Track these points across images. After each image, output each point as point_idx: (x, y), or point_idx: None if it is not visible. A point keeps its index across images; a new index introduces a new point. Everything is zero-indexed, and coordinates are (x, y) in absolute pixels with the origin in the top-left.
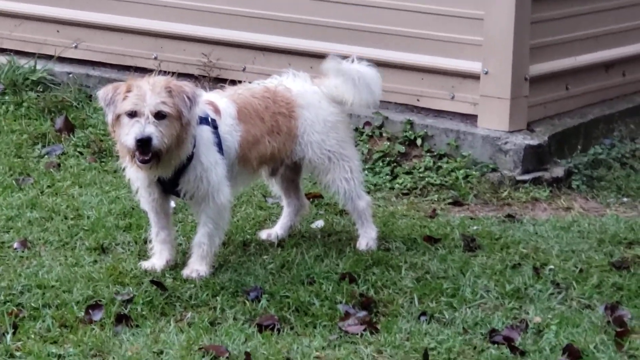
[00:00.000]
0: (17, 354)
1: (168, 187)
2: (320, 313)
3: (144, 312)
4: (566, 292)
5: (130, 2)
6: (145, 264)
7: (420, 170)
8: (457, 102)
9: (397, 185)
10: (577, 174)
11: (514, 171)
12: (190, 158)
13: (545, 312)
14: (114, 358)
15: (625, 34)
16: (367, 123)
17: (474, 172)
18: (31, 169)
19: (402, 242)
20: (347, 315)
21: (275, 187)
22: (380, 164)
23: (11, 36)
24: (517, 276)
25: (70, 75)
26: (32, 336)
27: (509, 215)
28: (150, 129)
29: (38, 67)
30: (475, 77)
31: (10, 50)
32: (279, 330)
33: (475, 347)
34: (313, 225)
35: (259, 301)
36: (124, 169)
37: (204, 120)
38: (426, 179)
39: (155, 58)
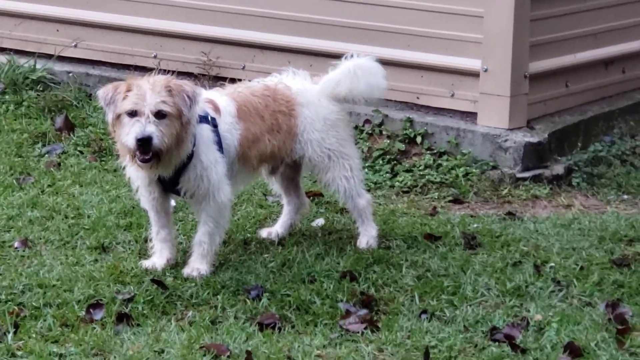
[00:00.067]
0: (19, 353)
1: (168, 185)
2: (321, 311)
3: (144, 311)
4: (567, 289)
5: (129, 1)
6: (146, 263)
7: (420, 168)
8: (457, 99)
9: (397, 183)
10: (577, 171)
11: (514, 169)
12: (190, 157)
13: (546, 310)
14: (115, 357)
15: (625, 30)
16: (367, 121)
17: (474, 170)
18: (32, 168)
19: (403, 240)
20: (348, 313)
21: (275, 185)
22: (381, 162)
23: (11, 35)
24: (517, 274)
25: (70, 75)
26: (33, 335)
27: (509, 213)
28: (151, 128)
29: (38, 66)
30: (475, 74)
31: (10, 50)
32: (280, 328)
33: (476, 345)
34: (313, 224)
35: (260, 300)
36: (124, 168)
37: (203, 118)
38: (426, 176)
39: (155, 57)
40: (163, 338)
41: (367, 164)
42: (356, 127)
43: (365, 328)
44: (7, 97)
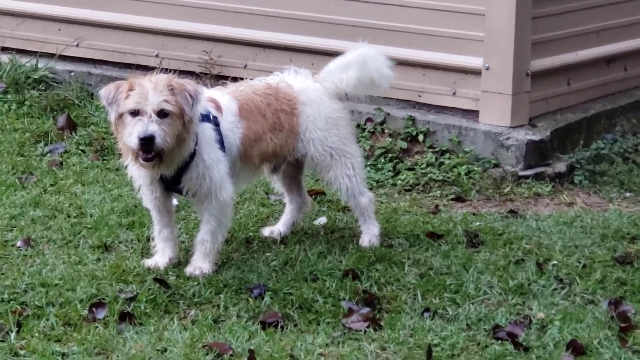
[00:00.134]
0: (22, 352)
1: (170, 184)
2: (323, 310)
3: (147, 310)
4: (569, 287)
5: (131, 0)
6: (149, 262)
7: (422, 166)
8: (458, 97)
9: (399, 182)
10: (580, 169)
11: (516, 167)
12: (192, 155)
13: (548, 308)
14: (117, 356)
15: (627, 28)
16: (369, 119)
17: (476, 168)
18: (34, 167)
19: (405, 238)
20: (350, 312)
21: (277, 184)
22: (383, 160)
23: (13, 35)
24: (520, 272)
25: (72, 74)
26: (36, 334)
27: (511, 211)
28: (153, 127)
29: (40, 65)
30: (476, 72)
31: (12, 49)
32: (282, 327)
33: (479, 343)
34: (316, 222)
35: (263, 298)
36: (126, 167)
37: (205, 117)
38: (428, 175)
39: (157, 56)
40: (166, 337)
41: (369, 163)
42: (358, 126)
43: (368, 326)
44: (9, 96)
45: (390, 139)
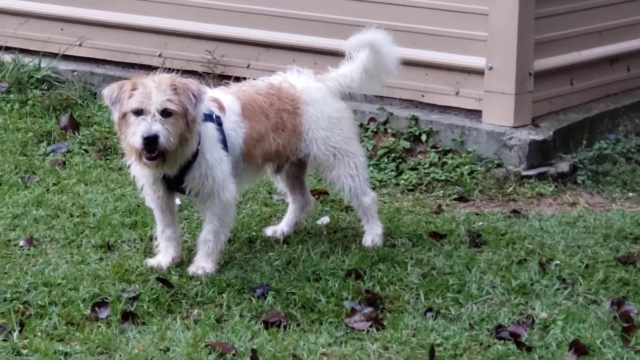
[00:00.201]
0: (24, 351)
1: (173, 184)
2: (326, 309)
3: (150, 310)
4: (572, 287)
5: (134, 0)
6: (151, 261)
7: (425, 166)
8: (461, 97)
9: (402, 181)
10: (583, 169)
11: (519, 166)
12: (195, 155)
13: (551, 308)
14: (120, 355)
15: (630, 28)
16: (372, 119)
17: (479, 168)
18: (37, 166)
19: (408, 238)
20: (353, 311)
21: (280, 183)
22: (385, 160)
23: (15, 34)
24: (523, 272)
25: (75, 73)
26: (39, 334)
27: (514, 211)
28: (157, 126)
29: (42, 65)
30: (479, 72)
31: (15, 49)
32: (285, 327)
33: (481, 343)
34: (318, 222)
35: (265, 298)
36: (129, 167)
37: (208, 117)
38: (431, 174)
39: (160, 55)
40: (168, 336)
41: (372, 162)
42: (361, 125)
43: (371, 326)
44: (12, 96)
45: (393, 139)
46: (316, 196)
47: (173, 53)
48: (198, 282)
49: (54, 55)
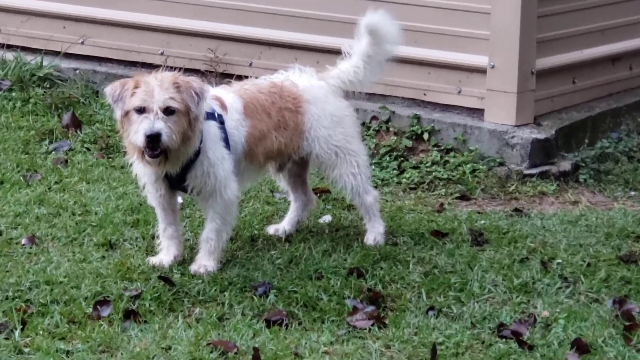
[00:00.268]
0: (26, 350)
1: (175, 182)
2: (328, 308)
3: (152, 308)
4: (574, 286)
5: None
6: (153, 260)
7: (427, 164)
8: (464, 96)
9: (404, 180)
10: (585, 167)
11: (521, 165)
12: (197, 153)
13: (553, 307)
14: (122, 354)
15: (632, 27)
16: (374, 118)
17: (481, 167)
18: (38, 165)
19: (410, 236)
20: (355, 310)
21: (282, 182)
22: (388, 158)
23: (18, 32)
24: (524, 270)
25: (77, 71)
26: (41, 332)
27: (516, 210)
28: (160, 124)
29: (45, 63)
30: (482, 71)
31: (17, 47)
32: (287, 325)
33: (483, 342)
34: (320, 220)
35: (267, 296)
36: (131, 165)
37: (210, 115)
38: (433, 173)
39: (162, 54)
40: (170, 335)
41: (374, 161)
42: (363, 124)
43: (373, 325)
44: (14, 94)
45: (395, 138)
46: (318, 195)
47: (175, 51)
48: (200, 281)
49: (56, 54)
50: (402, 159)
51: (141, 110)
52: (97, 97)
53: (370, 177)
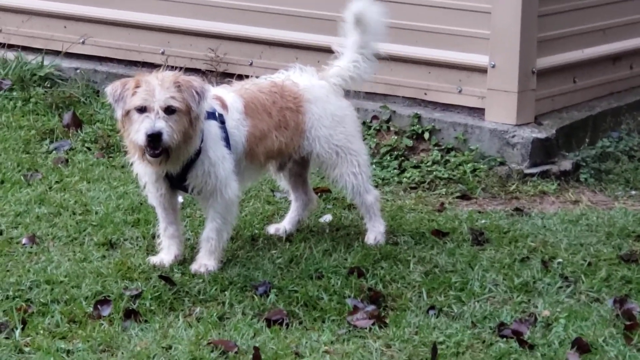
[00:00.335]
0: (26, 349)
1: (176, 182)
2: (328, 307)
3: (152, 307)
4: (575, 285)
5: None
6: (154, 259)
7: (428, 164)
8: (464, 95)
9: (405, 179)
10: (585, 167)
11: (522, 164)
12: (197, 153)
13: (554, 306)
14: (122, 353)
15: (633, 26)
16: (375, 117)
17: (481, 166)
18: (39, 164)
19: (411, 236)
20: (355, 309)
21: (283, 181)
22: (388, 158)
23: (18, 32)
24: (525, 270)
25: (78, 71)
26: (41, 332)
27: (517, 209)
28: (161, 124)
29: (45, 62)
30: (482, 70)
31: (18, 46)
32: (287, 324)
33: (484, 341)
34: (321, 220)
35: (268, 296)
36: (131, 164)
37: (211, 115)
38: (434, 172)
39: (163, 53)
40: (170, 334)
41: (374, 160)
42: (364, 123)
43: (373, 324)
44: (14, 93)
45: (396, 137)
46: (319, 194)
47: (176, 51)
48: (200, 280)
49: (56, 53)
50: (402, 158)
51: (142, 110)
52: (98, 96)
53: (370, 177)
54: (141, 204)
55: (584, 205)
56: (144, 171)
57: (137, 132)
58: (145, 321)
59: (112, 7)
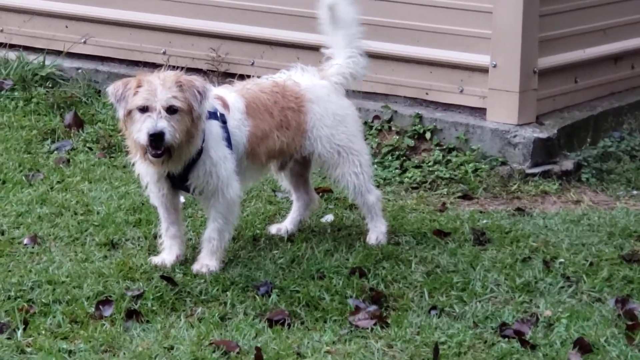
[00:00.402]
0: (28, 349)
1: (177, 182)
2: (330, 308)
3: (154, 308)
4: (576, 285)
5: None
6: (155, 259)
7: (429, 164)
8: (466, 95)
9: (406, 179)
10: (587, 167)
11: (524, 164)
12: (199, 153)
13: (555, 306)
14: (124, 354)
15: (634, 26)
16: (376, 117)
17: (483, 166)
18: (41, 164)
19: (412, 236)
20: (357, 309)
21: (284, 181)
22: (390, 158)
23: (20, 32)
24: (527, 270)
25: (79, 71)
26: (43, 332)
27: (518, 209)
28: (163, 123)
29: (47, 62)
30: (484, 70)
31: (19, 46)
32: (289, 325)
33: (485, 341)
34: (323, 220)
35: (269, 296)
36: (133, 164)
37: (212, 114)
38: (435, 172)
39: (164, 53)
40: (172, 334)
41: (376, 160)
42: (365, 123)
43: (375, 324)
44: (16, 93)
45: (398, 137)
46: (320, 194)
47: (177, 51)
48: (202, 280)
49: (58, 53)
50: (404, 158)
51: (144, 109)
52: (100, 96)
53: (372, 177)
54: (143, 204)
55: (585, 205)
56: (145, 171)
57: (139, 131)
58: (147, 321)
59: (114, 7)
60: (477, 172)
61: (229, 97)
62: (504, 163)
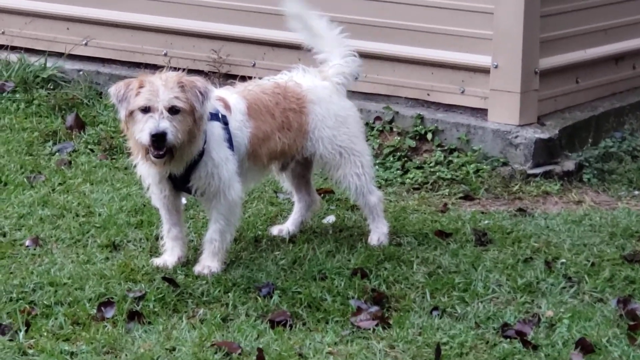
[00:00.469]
0: (30, 351)
1: (179, 183)
2: (332, 309)
3: (156, 309)
4: (578, 285)
5: None
6: (157, 261)
7: (431, 164)
8: (467, 96)
9: (408, 180)
10: (588, 167)
11: (525, 165)
12: (201, 154)
13: (557, 306)
14: (126, 355)
15: (635, 26)
16: (378, 118)
17: (484, 167)
18: (42, 166)
19: (414, 237)
20: (359, 310)
21: (286, 182)
22: (391, 158)
23: (21, 34)
24: (529, 270)
25: (81, 73)
26: (45, 334)
27: (520, 209)
28: (165, 124)
29: (48, 64)
30: (485, 71)
31: (21, 48)
32: (291, 326)
33: (487, 342)
34: (324, 221)
35: (271, 297)
36: (135, 166)
37: (214, 116)
38: (437, 173)
39: (165, 54)
40: (174, 336)
41: (377, 161)
42: (367, 124)
43: (377, 325)
44: (17, 95)
45: (399, 138)
46: (322, 195)
47: (178, 52)
48: (204, 282)
49: (59, 55)
50: (405, 159)
51: (146, 110)
52: (101, 98)
53: (374, 178)
54: (144, 205)
55: (587, 205)
56: (147, 172)
57: (141, 132)
58: (149, 323)
59: (115, 9)
60: (479, 172)
61: (231, 98)
62: (505, 164)
